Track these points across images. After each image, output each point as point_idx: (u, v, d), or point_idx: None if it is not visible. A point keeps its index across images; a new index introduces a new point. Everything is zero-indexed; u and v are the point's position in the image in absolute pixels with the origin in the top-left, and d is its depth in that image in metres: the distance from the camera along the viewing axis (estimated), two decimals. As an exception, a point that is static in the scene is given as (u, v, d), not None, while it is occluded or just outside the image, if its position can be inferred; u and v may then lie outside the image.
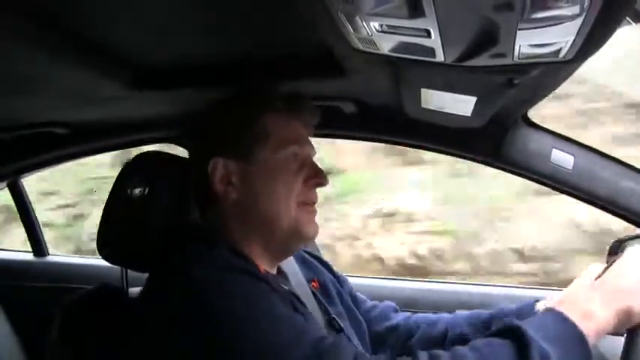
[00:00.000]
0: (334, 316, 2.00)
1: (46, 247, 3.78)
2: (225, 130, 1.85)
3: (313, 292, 2.03)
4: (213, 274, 1.56)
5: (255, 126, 1.81)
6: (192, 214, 1.92)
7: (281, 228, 1.80)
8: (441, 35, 1.22)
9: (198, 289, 1.53)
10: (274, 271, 1.91)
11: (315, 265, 2.20)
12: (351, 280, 2.33)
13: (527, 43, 1.25)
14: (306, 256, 2.22)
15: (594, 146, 2.34)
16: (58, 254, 3.93)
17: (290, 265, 2.05)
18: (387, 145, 2.79)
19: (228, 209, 1.81)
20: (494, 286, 3.32)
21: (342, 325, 1.99)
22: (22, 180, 3.62)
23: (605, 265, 1.86)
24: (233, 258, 1.69)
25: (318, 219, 1.90)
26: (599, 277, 1.73)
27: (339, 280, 2.24)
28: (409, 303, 2.99)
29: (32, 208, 3.71)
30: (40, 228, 3.77)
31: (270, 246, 1.84)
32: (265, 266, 1.82)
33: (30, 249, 3.79)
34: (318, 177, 1.87)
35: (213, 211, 1.85)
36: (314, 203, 1.89)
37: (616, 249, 2.23)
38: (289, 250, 1.95)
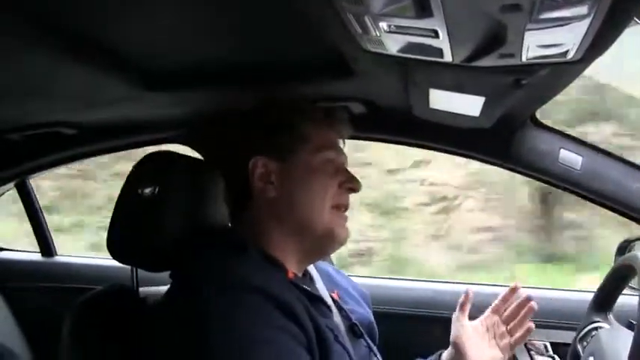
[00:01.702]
0: (355, 322, 2.01)
1: (54, 247, 3.79)
2: (266, 131, 1.87)
3: (334, 300, 2.03)
4: (222, 300, 1.57)
5: (297, 130, 1.85)
6: (205, 215, 1.92)
7: (315, 228, 1.83)
8: (449, 35, 1.22)
9: (206, 317, 1.56)
10: (301, 274, 1.92)
11: (338, 280, 2.21)
12: (361, 281, 2.33)
13: (536, 43, 1.25)
14: (331, 271, 2.23)
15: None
16: (66, 254, 3.92)
17: (314, 272, 2.06)
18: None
19: (265, 208, 1.84)
20: (507, 286, 3.33)
21: (362, 331, 2.01)
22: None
23: None
24: (262, 263, 1.74)
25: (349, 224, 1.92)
26: None
27: (363, 297, 2.24)
28: (420, 304, 3.01)
29: (40, 208, 3.71)
30: (47, 228, 3.77)
31: (304, 246, 1.86)
32: (294, 269, 1.84)
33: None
34: (351, 182, 1.90)
35: (247, 211, 1.87)
36: (346, 208, 1.91)
37: (624, 249, 2.24)
38: (321, 252, 1.97)
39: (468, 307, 2.05)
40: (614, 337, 1.95)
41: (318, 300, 1.84)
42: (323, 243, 1.89)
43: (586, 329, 2.08)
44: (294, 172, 1.83)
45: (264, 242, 1.81)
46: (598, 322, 2.07)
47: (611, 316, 2.09)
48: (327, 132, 1.91)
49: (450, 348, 2.06)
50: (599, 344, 1.95)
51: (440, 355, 2.13)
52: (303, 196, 1.83)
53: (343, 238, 1.89)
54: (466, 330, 2.04)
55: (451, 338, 2.05)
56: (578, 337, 2.09)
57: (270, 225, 1.83)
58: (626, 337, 1.80)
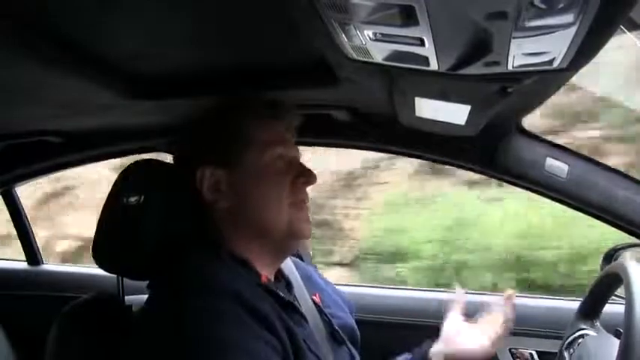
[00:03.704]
0: (337, 327, 2.00)
1: (41, 255, 3.77)
2: (210, 139, 1.86)
3: (315, 303, 2.03)
4: (198, 308, 1.57)
5: (239, 132, 1.83)
6: (189, 222, 1.91)
7: (276, 230, 1.81)
8: (434, 44, 1.22)
9: (182, 324, 1.56)
10: (272, 276, 1.90)
11: (320, 283, 2.21)
12: (344, 289, 2.33)
13: (521, 51, 1.25)
14: (313, 274, 2.22)
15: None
16: (53, 263, 3.91)
17: (293, 274, 2.06)
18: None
19: (221, 217, 1.82)
20: (491, 294, 3.32)
21: (344, 337, 2.00)
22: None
23: None
24: (234, 267, 1.73)
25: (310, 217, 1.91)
26: None
27: (346, 302, 2.24)
28: (401, 311, 3.01)
29: (26, 217, 3.70)
30: (34, 236, 3.75)
31: (267, 248, 1.84)
32: (266, 272, 1.83)
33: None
34: (305, 175, 1.87)
35: (208, 219, 1.85)
36: (305, 202, 1.89)
37: (610, 257, 2.24)
38: (286, 251, 1.95)
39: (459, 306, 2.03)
40: (600, 344, 1.95)
41: (291, 307, 1.81)
42: (287, 242, 1.87)
43: (573, 336, 2.08)
44: (243, 178, 1.81)
45: (231, 246, 1.79)
46: (585, 329, 2.07)
47: (598, 324, 2.09)
48: (272, 126, 1.88)
49: (439, 341, 2.03)
50: (586, 351, 1.95)
51: (425, 349, 2.08)
52: (256, 202, 1.81)
53: (307, 233, 1.88)
54: (457, 323, 2.03)
55: (442, 332, 2.03)
56: (565, 344, 2.09)
57: (231, 231, 1.82)
58: (613, 344, 1.79)
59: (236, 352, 1.51)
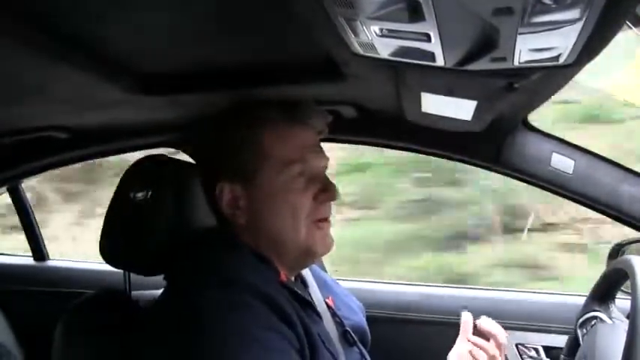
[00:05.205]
0: (348, 329, 2.00)
1: (47, 251, 3.78)
2: (226, 154, 1.82)
3: (328, 306, 2.02)
4: (214, 298, 1.57)
5: (255, 146, 1.78)
6: (198, 217, 1.91)
7: (291, 249, 1.79)
8: (441, 39, 1.22)
9: (199, 315, 1.56)
10: (292, 277, 1.90)
11: (333, 288, 2.20)
12: (350, 285, 2.32)
13: (528, 47, 1.25)
14: (327, 278, 2.21)
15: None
16: (59, 259, 3.91)
17: (308, 275, 2.06)
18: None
19: (240, 229, 1.80)
20: (499, 290, 3.32)
21: (355, 338, 2.00)
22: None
23: None
24: (254, 261, 1.74)
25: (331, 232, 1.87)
26: None
27: (358, 307, 2.22)
28: (408, 307, 3.01)
29: (32, 212, 3.71)
30: (39, 232, 3.76)
31: (282, 262, 1.82)
32: (285, 272, 1.82)
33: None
34: (327, 192, 1.83)
35: (227, 225, 1.84)
36: (326, 220, 1.85)
37: (616, 253, 2.24)
38: (302, 266, 1.95)
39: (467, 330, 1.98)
40: (611, 333, 1.95)
41: (308, 305, 1.81)
42: (302, 259, 1.86)
43: (586, 316, 2.08)
44: (260, 195, 1.78)
45: (252, 247, 1.79)
46: (598, 311, 2.06)
47: (612, 308, 2.08)
48: (293, 137, 1.82)
49: None
50: (597, 338, 1.95)
51: None
52: (273, 222, 1.79)
53: (325, 250, 1.86)
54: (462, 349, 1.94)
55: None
56: (579, 322, 2.09)
57: (249, 240, 1.80)
58: (624, 331, 1.78)
59: (252, 344, 1.51)
